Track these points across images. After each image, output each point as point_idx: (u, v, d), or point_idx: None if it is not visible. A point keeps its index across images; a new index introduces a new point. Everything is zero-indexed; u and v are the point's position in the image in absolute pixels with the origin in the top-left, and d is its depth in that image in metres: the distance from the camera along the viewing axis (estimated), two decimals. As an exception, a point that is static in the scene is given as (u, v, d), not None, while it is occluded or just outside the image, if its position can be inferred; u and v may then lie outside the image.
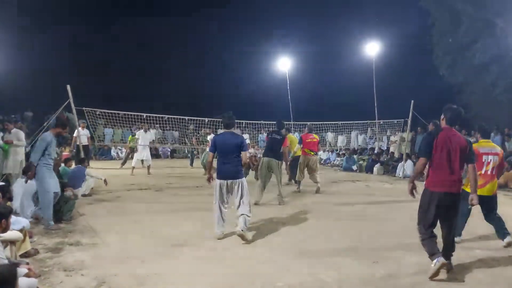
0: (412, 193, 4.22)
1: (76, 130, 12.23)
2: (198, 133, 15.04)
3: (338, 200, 8.85)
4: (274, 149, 8.22)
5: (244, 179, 5.53)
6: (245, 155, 5.55)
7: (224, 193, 5.45)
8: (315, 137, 10.23)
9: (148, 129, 13.99)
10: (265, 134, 8.36)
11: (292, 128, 20.65)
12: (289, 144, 9.30)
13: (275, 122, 9.54)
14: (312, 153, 9.95)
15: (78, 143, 11.91)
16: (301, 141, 10.05)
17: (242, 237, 5.24)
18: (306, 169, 10.00)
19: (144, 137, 13.35)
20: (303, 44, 27.16)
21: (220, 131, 16.87)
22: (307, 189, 10.07)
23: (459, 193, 4.15)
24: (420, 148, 4.42)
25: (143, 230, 5.88)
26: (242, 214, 5.36)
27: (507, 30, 15.83)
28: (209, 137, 13.98)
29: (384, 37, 20.82)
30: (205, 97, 26.89)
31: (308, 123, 12.46)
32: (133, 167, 13.17)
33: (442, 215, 4.15)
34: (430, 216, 4.11)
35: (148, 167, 13.29)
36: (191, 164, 16.37)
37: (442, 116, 4.28)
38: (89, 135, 13.91)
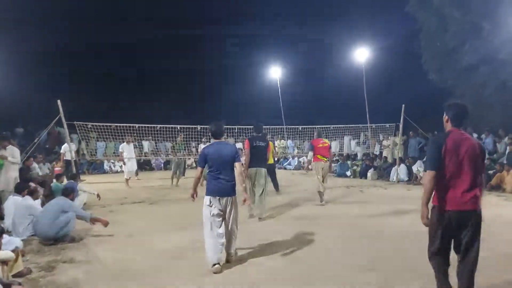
0: (426, 222, 3.33)
1: (63, 146, 12.24)
2: (174, 140, 14.75)
3: (333, 207, 8.84)
4: (261, 157, 7.75)
5: (236, 196, 4.96)
6: (239, 166, 4.92)
7: (215, 214, 4.71)
8: (326, 141, 9.40)
9: (133, 141, 14.00)
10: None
11: (285, 135, 20.73)
12: (272, 150, 8.75)
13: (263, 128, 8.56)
14: (325, 159, 9.12)
15: (69, 158, 11.83)
16: (312, 147, 9.19)
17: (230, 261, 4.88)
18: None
19: (129, 149, 13.40)
20: (294, 50, 27.47)
21: (204, 140, 16.70)
22: (301, 196, 10.02)
23: (477, 211, 3.28)
24: (427, 159, 3.53)
25: (137, 245, 5.82)
26: (230, 241, 4.92)
27: (494, 32, 16.02)
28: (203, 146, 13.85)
29: (374, 43, 21.10)
30: (198, 104, 26.99)
31: (317, 127, 12.10)
32: (127, 179, 13.34)
33: (455, 240, 3.35)
34: (437, 241, 3.33)
35: (128, 179, 13.35)
36: (183, 174, 16.15)
37: (445, 117, 3.46)
38: (74, 149, 13.81)
